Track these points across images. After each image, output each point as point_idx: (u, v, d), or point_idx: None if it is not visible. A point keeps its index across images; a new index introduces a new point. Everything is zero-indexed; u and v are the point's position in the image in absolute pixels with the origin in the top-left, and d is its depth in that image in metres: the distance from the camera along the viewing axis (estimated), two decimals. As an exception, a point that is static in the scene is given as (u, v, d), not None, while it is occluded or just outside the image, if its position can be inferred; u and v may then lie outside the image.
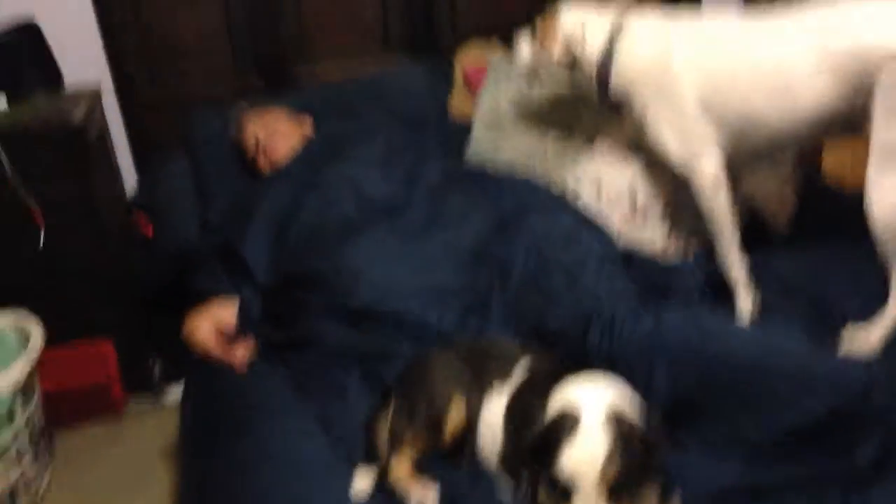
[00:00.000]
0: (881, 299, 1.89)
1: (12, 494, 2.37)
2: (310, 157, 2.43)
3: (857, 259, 2.14)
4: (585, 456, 1.20)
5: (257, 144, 2.57)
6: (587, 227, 2.14)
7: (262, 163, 2.57)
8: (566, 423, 1.24)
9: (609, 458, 1.19)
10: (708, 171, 2.03)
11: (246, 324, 2.10)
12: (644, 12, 2.14)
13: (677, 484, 1.40)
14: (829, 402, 1.52)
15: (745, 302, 2.03)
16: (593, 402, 1.28)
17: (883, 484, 1.41)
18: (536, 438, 1.28)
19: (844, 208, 2.51)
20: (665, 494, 1.33)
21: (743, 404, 1.61)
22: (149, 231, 2.72)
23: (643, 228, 2.31)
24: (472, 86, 2.97)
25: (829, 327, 1.97)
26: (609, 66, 2.11)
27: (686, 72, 2.00)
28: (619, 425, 1.23)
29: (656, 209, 2.30)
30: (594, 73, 2.16)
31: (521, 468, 1.38)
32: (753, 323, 2.00)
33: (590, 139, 2.64)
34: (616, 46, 2.10)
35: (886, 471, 1.43)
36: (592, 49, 2.14)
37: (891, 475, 1.42)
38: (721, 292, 2.09)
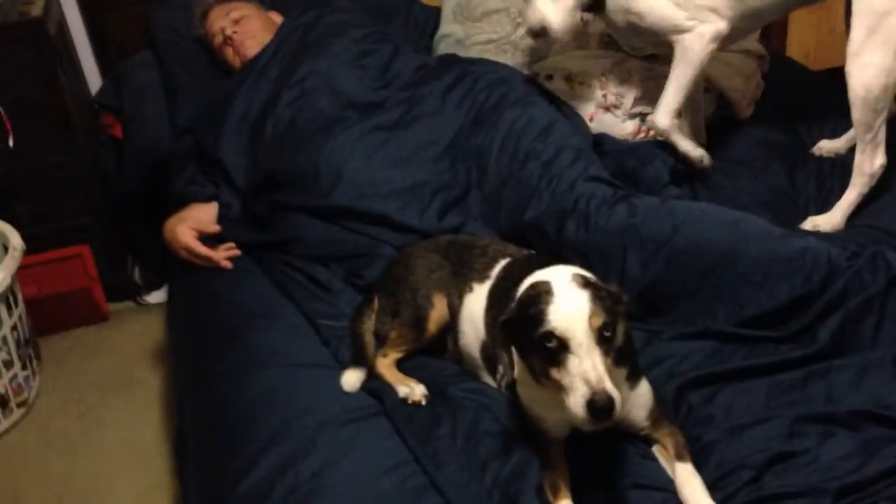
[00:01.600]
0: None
1: (3, 401, 2.42)
2: (282, 52, 2.37)
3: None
4: (570, 308, 1.22)
5: (224, 39, 2.50)
6: (562, 119, 2.14)
7: (232, 58, 2.50)
8: (541, 290, 1.27)
9: (592, 305, 1.22)
10: (708, 33, 2.00)
11: (226, 226, 2.11)
12: None
13: (643, 369, 1.46)
14: (795, 287, 1.59)
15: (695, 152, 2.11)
16: (558, 273, 1.32)
17: (840, 363, 1.48)
18: (513, 312, 1.31)
19: (810, 86, 2.54)
20: (632, 378, 1.39)
21: (713, 290, 1.67)
22: (117, 132, 2.68)
23: (614, 119, 2.32)
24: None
25: (794, 209, 2.04)
26: None
27: None
28: (586, 282, 1.28)
29: (627, 100, 2.31)
30: None
31: (500, 349, 1.43)
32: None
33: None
34: None
35: (843, 351, 1.50)
36: None
37: (847, 355, 1.50)
38: (691, 179, 2.13)
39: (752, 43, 2.45)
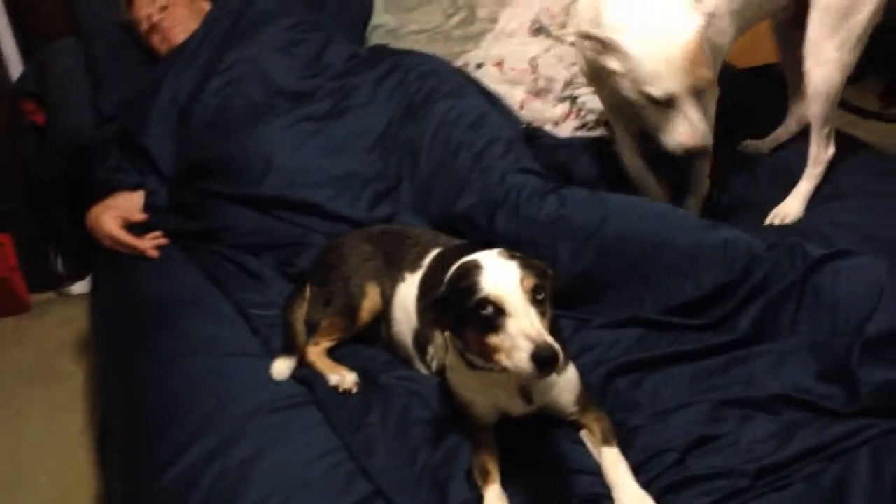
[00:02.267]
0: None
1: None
2: (210, 38, 2.33)
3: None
4: (501, 274, 1.24)
5: (151, 26, 2.45)
6: (493, 110, 2.16)
7: (159, 44, 2.45)
8: (469, 266, 1.29)
9: (522, 270, 1.25)
10: None
11: (153, 215, 2.07)
12: None
13: (571, 356, 1.48)
14: (718, 277, 1.63)
15: None
16: (485, 253, 1.34)
17: (760, 350, 1.53)
18: (443, 290, 1.32)
19: (736, 85, 2.60)
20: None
21: (641, 279, 1.71)
22: (39, 119, 2.60)
23: (544, 104, 2.35)
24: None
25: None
26: None
27: None
28: (512, 255, 1.30)
29: (557, 84, 2.34)
30: None
31: (430, 331, 1.43)
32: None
33: (492, 19, 2.64)
34: None
35: (764, 338, 1.55)
36: None
37: (768, 342, 1.54)
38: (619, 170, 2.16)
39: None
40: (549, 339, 1.19)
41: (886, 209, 1.91)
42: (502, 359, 1.22)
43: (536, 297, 1.24)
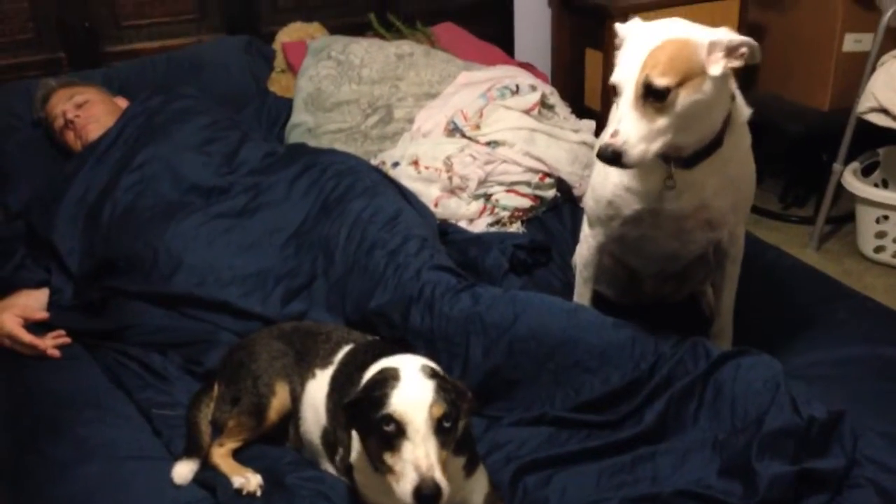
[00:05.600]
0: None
1: None
2: (124, 137, 2.33)
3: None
4: (413, 396, 1.24)
5: (66, 123, 2.44)
6: (409, 207, 2.19)
7: (73, 142, 2.44)
8: (388, 376, 1.29)
9: (435, 395, 1.25)
10: None
11: (57, 313, 2.02)
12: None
13: (482, 456, 1.48)
14: (626, 373, 1.66)
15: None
16: (408, 362, 1.35)
17: (665, 447, 1.55)
18: (358, 394, 1.32)
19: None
20: (469, 466, 1.41)
21: (552, 376, 1.73)
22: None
23: (459, 201, 2.40)
24: (293, 63, 2.95)
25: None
26: None
27: None
28: (434, 373, 1.31)
29: (472, 182, 2.40)
30: None
31: (341, 431, 1.42)
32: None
33: (409, 120, 2.71)
34: None
35: (668, 433, 1.58)
36: None
37: (671, 437, 1.57)
38: (531, 267, 2.21)
39: (588, 135, 2.61)
40: (438, 476, 1.20)
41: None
42: (391, 479, 1.23)
43: (443, 425, 1.24)
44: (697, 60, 1.52)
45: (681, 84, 1.50)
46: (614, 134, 1.51)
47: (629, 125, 1.50)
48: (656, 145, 1.53)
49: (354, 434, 1.37)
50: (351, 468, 1.44)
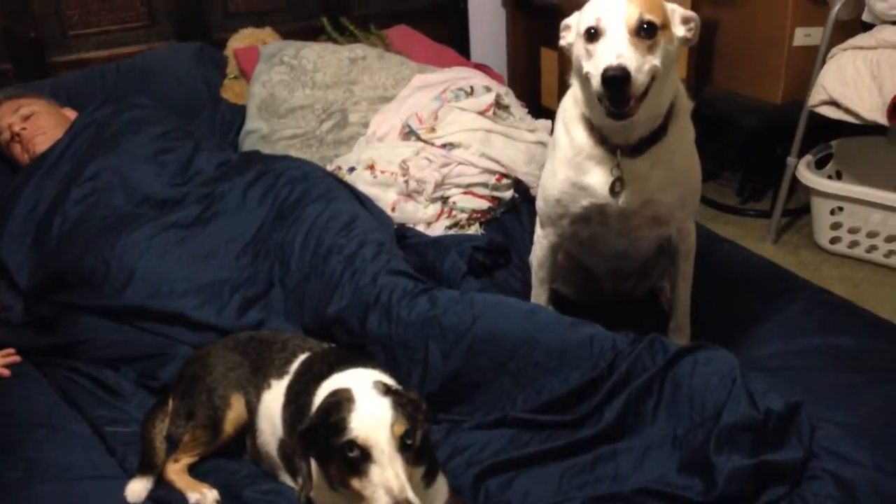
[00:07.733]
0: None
1: None
2: (73, 149, 2.29)
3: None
4: (373, 417, 1.22)
5: (12, 136, 2.40)
6: (365, 212, 2.17)
7: (20, 155, 2.39)
8: (341, 397, 1.27)
9: (394, 413, 1.23)
10: None
11: (5, 331, 1.97)
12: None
13: (442, 462, 1.47)
14: (585, 372, 1.65)
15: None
16: (359, 380, 1.33)
17: (625, 446, 1.55)
18: (313, 420, 1.29)
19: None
20: (429, 477, 1.40)
21: (512, 377, 1.71)
22: None
23: (416, 205, 2.39)
24: (245, 69, 2.92)
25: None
26: None
27: None
28: (387, 389, 1.29)
29: (428, 186, 2.39)
30: None
31: (298, 460, 1.40)
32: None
33: (364, 124, 2.69)
34: None
35: (628, 430, 1.57)
36: None
37: (632, 435, 1.56)
38: (490, 269, 2.20)
39: (544, 135, 2.61)
40: (410, 496, 1.19)
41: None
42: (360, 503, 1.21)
43: (405, 442, 1.23)
44: (668, 15, 1.60)
45: (662, 28, 1.56)
46: (619, 56, 1.50)
47: (631, 54, 1.51)
48: (647, 81, 1.54)
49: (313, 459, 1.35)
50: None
